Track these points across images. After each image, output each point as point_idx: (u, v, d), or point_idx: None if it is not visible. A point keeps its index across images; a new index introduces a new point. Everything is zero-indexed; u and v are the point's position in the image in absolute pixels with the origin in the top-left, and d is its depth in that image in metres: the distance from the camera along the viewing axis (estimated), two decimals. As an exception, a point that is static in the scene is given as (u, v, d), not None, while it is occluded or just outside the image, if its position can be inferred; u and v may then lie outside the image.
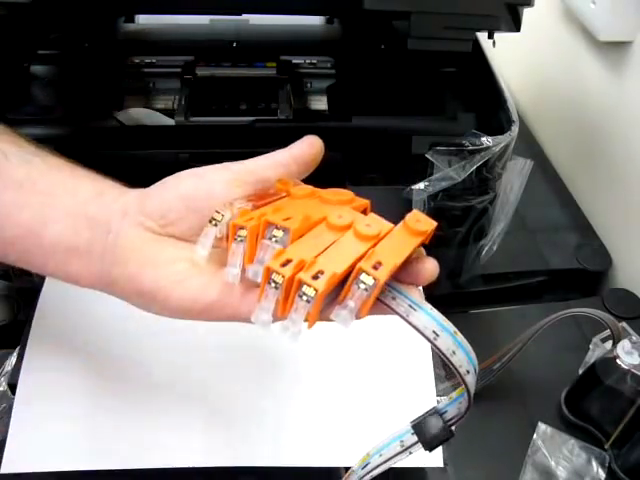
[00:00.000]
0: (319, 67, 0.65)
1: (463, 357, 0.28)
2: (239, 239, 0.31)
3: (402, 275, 0.31)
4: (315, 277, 0.28)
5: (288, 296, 0.28)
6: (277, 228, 0.30)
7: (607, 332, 0.50)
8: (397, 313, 0.29)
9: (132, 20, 0.68)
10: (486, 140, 0.49)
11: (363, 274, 0.28)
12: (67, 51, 0.63)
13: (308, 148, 0.36)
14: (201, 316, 0.33)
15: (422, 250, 0.33)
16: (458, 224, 0.53)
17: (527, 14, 0.50)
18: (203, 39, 0.65)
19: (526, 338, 0.49)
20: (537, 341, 0.49)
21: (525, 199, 0.57)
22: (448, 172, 0.48)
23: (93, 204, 0.35)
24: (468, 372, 0.28)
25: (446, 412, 0.31)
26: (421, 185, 0.49)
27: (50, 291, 0.49)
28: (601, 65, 0.68)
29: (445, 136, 0.50)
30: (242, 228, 0.30)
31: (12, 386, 0.45)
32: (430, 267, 0.32)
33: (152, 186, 0.36)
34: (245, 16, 0.65)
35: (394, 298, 0.29)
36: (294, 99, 0.61)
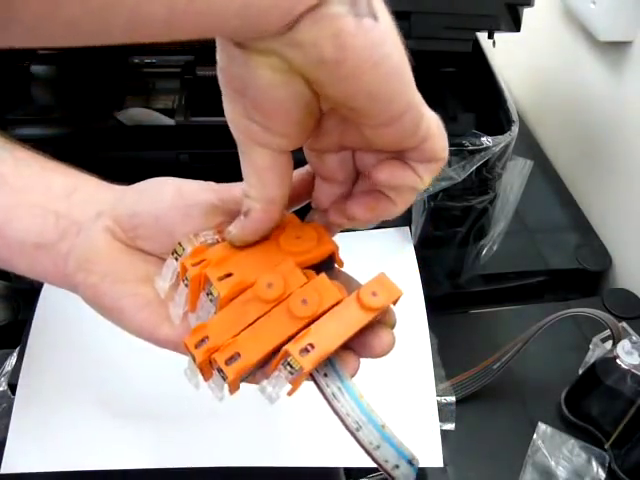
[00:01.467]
0: (319, 67, 0.65)
1: (389, 452, 0.26)
2: (185, 282, 0.29)
3: (354, 344, 0.28)
4: (231, 358, 0.26)
5: (206, 367, 0.28)
6: (213, 287, 0.28)
7: (607, 332, 0.50)
8: (321, 392, 0.27)
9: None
10: (486, 140, 0.49)
11: (290, 357, 0.25)
12: (67, 51, 0.63)
13: (300, 180, 0.33)
14: (155, 343, 0.32)
15: (392, 319, 0.30)
16: (458, 224, 0.53)
17: (527, 14, 0.50)
18: (203, 39, 0.65)
19: (526, 338, 0.49)
20: (537, 341, 0.49)
21: (525, 199, 0.57)
22: (448, 172, 0.48)
23: (64, 201, 0.33)
24: (397, 466, 0.26)
25: None
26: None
27: (50, 291, 0.49)
28: (601, 65, 0.68)
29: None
30: (185, 277, 0.29)
31: (12, 386, 0.45)
32: (386, 341, 0.29)
33: (131, 188, 0.34)
34: (245, 16, 0.65)
35: (326, 375, 0.27)
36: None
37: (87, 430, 0.44)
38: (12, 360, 0.48)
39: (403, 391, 0.47)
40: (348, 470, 0.44)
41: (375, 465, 0.27)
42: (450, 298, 0.58)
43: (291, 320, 0.27)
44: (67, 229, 0.33)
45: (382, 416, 0.26)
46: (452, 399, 0.49)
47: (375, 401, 0.47)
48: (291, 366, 0.26)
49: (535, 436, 0.48)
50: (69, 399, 0.45)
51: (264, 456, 0.44)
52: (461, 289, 0.59)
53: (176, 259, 0.30)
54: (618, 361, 0.46)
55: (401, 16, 0.48)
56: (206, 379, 0.29)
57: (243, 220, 0.29)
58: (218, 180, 0.34)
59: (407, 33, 0.48)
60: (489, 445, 0.49)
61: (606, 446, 0.48)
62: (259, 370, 0.28)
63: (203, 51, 0.62)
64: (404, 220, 0.53)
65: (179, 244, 0.30)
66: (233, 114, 0.27)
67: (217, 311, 0.28)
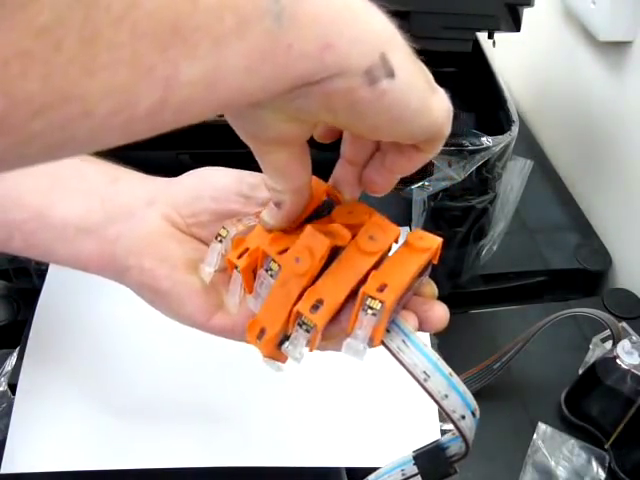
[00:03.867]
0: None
1: (457, 401, 0.26)
2: (218, 239, 0.30)
3: (409, 319, 0.29)
4: (315, 307, 0.26)
5: (276, 354, 0.28)
6: (273, 261, 0.28)
7: (607, 332, 0.50)
8: (387, 347, 0.27)
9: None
10: (486, 140, 0.49)
11: (369, 299, 0.26)
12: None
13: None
14: (209, 331, 0.32)
15: (434, 291, 0.30)
16: (458, 224, 0.53)
17: (527, 14, 0.50)
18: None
19: (526, 338, 0.49)
20: (537, 341, 0.49)
21: (525, 199, 0.57)
22: (448, 172, 0.48)
23: (110, 187, 0.33)
24: (463, 417, 0.26)
25: (449, 448, 0.30)
26: (421, 185, 0.49)
27: (50, 291, 0.49)
28: (601, 65, 0.68)
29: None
30: (236, 267, 0.29)
31: (12, 386, 0.45)
32: (440, 313, 0.29)
33: (188, 174, 0.34)
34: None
35: (388, 330, 0.27)
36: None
37: (87, 430, 0.44)
38: (12, 360, 0.48)
39: (403, 391, 0.47)
40: (349, 470, 0.44)
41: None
42: (450, 298, 0.58)
43: (363, 257, 0.27)
44: (116, 213, 0.32)
45: (448, 366, 0.27)
46: (452, 399, 0.49)
47: (375, 400, 0.47)
48: (371, 307, 0.26)
49: (535, 436, 0.48)
50: (69, 399, 0.45)
51: (265, 456, 0.44)
52: (461, 289, 0.59)
53: (220, 242, 0.30)
54: (618, 361, 0.46)
55: (401, 16, 0.48)
56: (283, 362, 0.29)
57: (276, 211, 0.28)
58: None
59: (407, 33, 0.48)
60: (489, 445, 0.49)
61: (606, 446, 0.48)
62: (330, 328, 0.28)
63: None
64: (404, 220, 0.53)
65: (223, 227, 0.30)
66: (241, 130, 0.26)
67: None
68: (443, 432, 0.46)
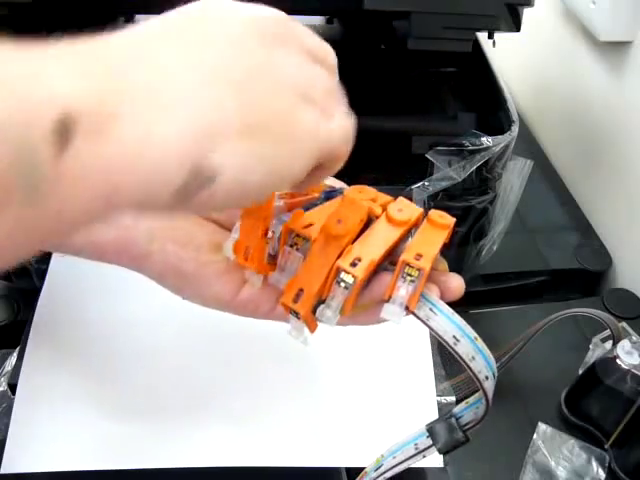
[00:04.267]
0: (319, 67, 0.65)
1: (482, 363, 0.28)
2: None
3: (432, 289, 0.30)
4: (353, 264, 0.28)
5: (311, 319, 0.28)
6: (298, 236, 0.30)
7: (607, 332, 0.50)
8: (417, 316, 0.29)
9: (132, 20, 0.68)
10: (486, 140, 0.49)
11: (407, 266, 0.28)
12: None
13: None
14: (234, 311, 0.33)
15: (446, 266, 0.32)
16: (458, 224, 0.53)
17: (527, 14, 0.50)
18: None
19: (526, 338, 0.49)
20: (537, 341, 0.49)
21: (525, 199, 0.57)
22: (448, 172, 0.48)
23: None
24: (487, 378, 0.28)
25: (462, 417, 0.31)
26: (421, 185, 0.49)
27: (50, 291, 0.49)
28: (601, 65, 0.68)
29: (445, 136, 0.50)
30: (298, 235, 0.30)
31: (12, 386, 0.45)
32: (457, 282, 0.31)
33: None
34: (245, 16, 0.65)
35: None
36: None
37: (87, 430, 0.44)
38: (12, 360, 0.48)
39: (403, 391, 0.47)
40: (349, 470, 0.44)
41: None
42: (450, 298, 0.58)
43: (394, 227, 0.30)
44: None
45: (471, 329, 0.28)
46: (452, 399, 0.49)
47: (375, 400, 0.47)
48: (410, 274, 0.28)
49: (535, 436, 0.48)
50: (69, 399, 0.45)
51: (265, 456, 0.44)
52: (461, 289, 0.59)
53: None
54: (618, 361, 0.46)
55: (401, 16, 0.48)
56: (312, 330, 0.29)
57: None
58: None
59: (407, 33, 0.48)
60: (489, 445, 0.49)
61: (606, 446, 0.48)
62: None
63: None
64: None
65: None
66: None
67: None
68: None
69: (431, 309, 0.28)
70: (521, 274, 0.63)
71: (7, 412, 0.45)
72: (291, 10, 0.62)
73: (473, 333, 0.28)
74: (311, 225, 0.30)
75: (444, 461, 0.45)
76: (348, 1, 0.49)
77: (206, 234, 0.33)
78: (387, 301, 0.28)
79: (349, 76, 0.68)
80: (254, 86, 0.22)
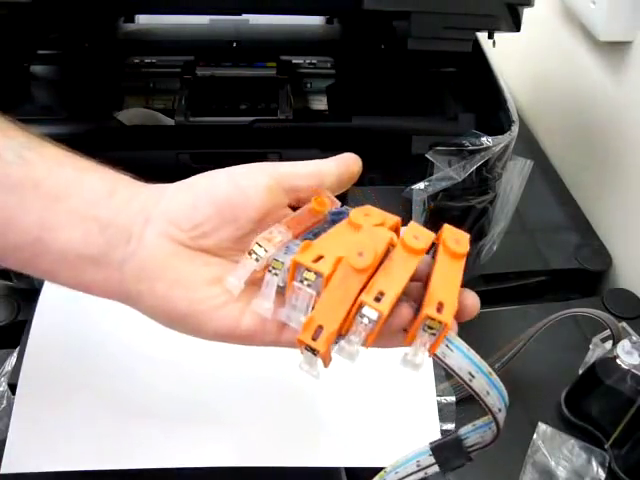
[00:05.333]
0: (319, 67, 0.65)
1: (496, 397, 0.28)
2: (273, 272, 0.29)
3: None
4: (377, 299, 0.27)
5: (327, 355, 0.28)
6: (308, 270, 0.28)
7: (607, 332, 0.50)
8: (432, 354, 0.28)
9: (132, 20, 0.68)
10: (486, 140, 0.49)
11: (429, 319, 0.27)
12: (67, 51, 0.63)
13: (346, 167, 0.34)
14: (239, 342, 0.31)
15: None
16: (458, 224, 0.53)
17: (527, 14, 0.50)
18: (203, 39, 0.65)
19: (526, 338, 0.49)
20: (537, 341, 0.49)
21: (525, 199, 0.57)
22: (448, 172, 0.48)
23: (105, 206, 0.31)
24: (500, 410, 0.29)
25: (467, 438, 0.31)
26: (421, 185, 0.49)
27: (50, 291, 0.49)
28: (601, 65, 0.68)
29: (445, 136, 0.50)
30: (308, 270, 0.28)
31: (12, 386, 0.45)
32: (472, 300, 0.31)
33: (177, 185, 0.32)
34: (245, 16, 0.65)
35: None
36: (294, 99, 0.61)
37: (87, 430, 0.44)
38: (12, 360, 0.48)
39: (403, 391, 0.47)
40: (349, 470, 0.44)
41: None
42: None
43: (411, 254, 0.29)
44: (115, 238, 0.31)
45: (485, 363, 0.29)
46: (452, 399, 0.49)
47: (375, 401, 0.47)
48: (431, 327, 0.27)
49: (535, 436, 0.48)
50: (69, 399, 0.45)
51: (265, 456, 0.44)
52: (461, 289, 0.59)
53: (256, 260, 0.29)
54: (618, 361, 0.46)
55: (401, 16, 0.48)
56: (327, 365, 0.29)
57: None
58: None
59: (407, 33, 0.48)
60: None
61: (606, 446, 0.48)
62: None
63: (203, 51, 0.63)
64: (404, 220, 0.53)
65: (257, 244, 0.29)
66: None
67: (320, 293, 0.28)
68: (443, 432, 0.46)
69: (447, 345, 0.28)
70: (521, 274, 0.63)
71: (7, 412, 0.45)
72: (291, 10, 0.63)
73: (487, 368, 0.28)
74: (321, 258, 0.28)
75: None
76: (348, 1, 0.49)
77: (195, 268, 0.31)
78: (407, 345, 0.28)
79: (349, 76, 0.68)
80: None
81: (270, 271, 0.30)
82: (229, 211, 0.31)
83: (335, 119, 0.57)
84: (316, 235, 0.31)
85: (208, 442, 0.44)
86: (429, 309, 0.27)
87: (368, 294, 0.27)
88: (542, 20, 0.77)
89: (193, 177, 0.32)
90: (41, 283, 0.50)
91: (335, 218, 0.32)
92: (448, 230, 0.31)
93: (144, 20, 0.67)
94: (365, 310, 0.27)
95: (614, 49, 0.64)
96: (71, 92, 0.61)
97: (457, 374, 0.28)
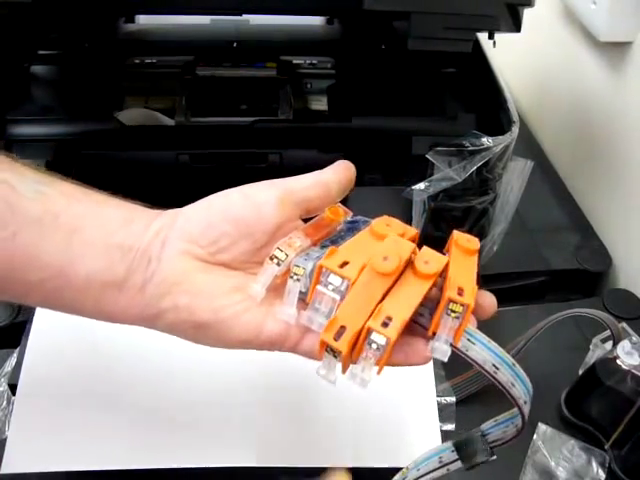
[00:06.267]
0: (319, 67, 0.65)
1: (521, 389, 0.28)
2: (295, 278, 0.30)
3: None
4: (384, 324, 0.27)
5: (348, 358, 0.28)
6: (334, 275, 0.29)
7: (607, 332, 0.50)
8: (456, 348, 0.29)
9: (132, 20, 0.68)
10: (486, 140, 0.49)
11: (452, 303, 0.28)
12: (67, 51, 0.63)
13: (345, 172, 0.35)
14: (261, 348, 0.32)
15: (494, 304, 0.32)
16: (458, 225, 0.53)
17: (527, 14, 0.50)
18: (203, 39, 0.65)
19: (526, 338, 0.49)
20: (537, 341, 0.49)
21: (525, 199, 0.57)
22: (448, 172, 0.48)
23: (124, 233, 0.32)
24: (525, 402, 0.29)
25: (489, 434, 0.32)
26: (421, 185, 0.49)
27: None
28: (601, 66, 0.68)
29: (445, 136, 0.50)
30: (334, 274, 0.29)
31: (12, 386, 0.45)
32: (490, 300, 0.31)
33: (191, 207, 0.33)
34: (245, 16, 0.65)
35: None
36: (294, 99, 0.61)
37: (87, 430, 0.44)
38: (12, 360, 0.48)
39: (403, 391, 0.47)
40: (349, 471, 0.44)
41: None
42: (450, 298, 0.58)
43: (421, 279, 0.29)
44: (136, 262, 0.32)
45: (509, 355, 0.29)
46: (452, 399, 0.49)
47: (375, 401, 0.47)
48: (454, 311, 0.28)
49: (535, 436, 0.48)
50: (69, 399, 0.45)
51: (265, 456, 0.44)
52: (461, 289, 0.59)
53: (278, 264, 0.30)
54: (618, 362, 0.46)
55: (401, 16, 0.48)
56: (344, 371, 0.29)
57: None
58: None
59: (407, 33, 0.48)
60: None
61: (606, 447, 0.48)
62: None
63: (203, 51, 0.63)
64: (405, 220, 0.53)
65: (278, 249, 0.31)
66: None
67: (344, 297, 0.29)
68: (443, 433, 0.46)
69: (469, 339, 0.28)
70: (521, 275, 0.63)
71: (7, 412, 0.45)
72: (292, 10, 0.63)
73: (511, 359, 0.29)
74: (346, 264, 0.29)
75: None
76: (348, 1, 0.49)
77: (214, 279, 0.32)
78: (432, 337, 0.28)
79: (350, 77, 0.68)
80: None
81: (292, 277, 0.30)
82: (244, 226, 0.32)
83: (335, 119, 0.57)
84: (333, 242, 0.32)
85: (209, 442, 0.44)
86: (451, 292, 0.28)
87: (375, 320, 0.28)
88: (542, 21, 0.77)
89: (207, 197, 0.33)
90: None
91: (351, 226, 0.34)
92: (458, 234, 0.32)
93: (144, 20, 0.67)
94: (373, 336, 0.27)
95: (614, 50, 0.64)
96: (71, 92, 0.61)
97: (482, 367, 0.28)
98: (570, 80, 0.75)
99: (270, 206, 0.32)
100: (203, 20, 0.66)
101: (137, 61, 0.64)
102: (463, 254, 0.31)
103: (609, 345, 0.50)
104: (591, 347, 0.52)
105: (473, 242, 0.32)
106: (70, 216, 0.32)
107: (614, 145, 0.67)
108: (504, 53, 0.58)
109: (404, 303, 0.29)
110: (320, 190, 0.34)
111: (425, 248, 0.31)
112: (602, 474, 0.46)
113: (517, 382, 0.28)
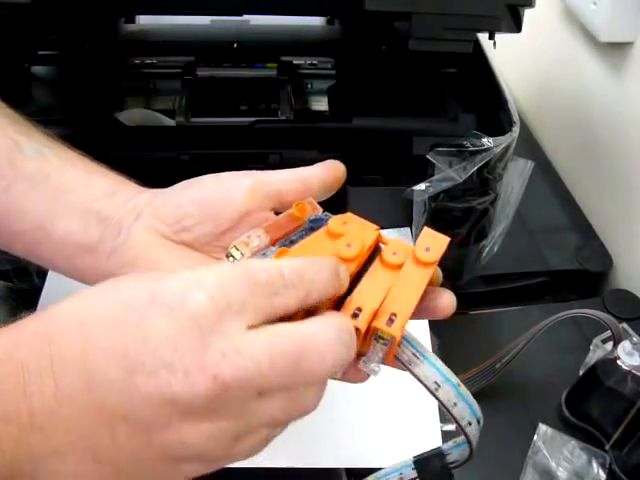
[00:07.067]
0: (320, 68, 0.65)
1: (465, 409, 0.28)
2: None
3: (419, 311, 0.30)
4: (390, 320, 0.28)
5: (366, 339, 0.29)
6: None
7: (608, 333, 0.50)
8: (399, 360, 0.29)
9: (133, 21, 0.68)
10: (487, 141, 0.49)
11: (380, 331, 0.28)
12: (68, 52, 0.63)
13: (330, 171, 0.35)
14: None
15: (439, 276, 0.32)
16: (459, 225, 0.53)
17: (528, 15, 0.50)
18: (204, 40, 0.65)
19: (527, 339, 0.49)
20: (538, 342, 0.49)
21: (526, 200, 0.57)
22: (449, 173, 0.48)
23: (105, 202, 0.34)
24: (470, 424, 0.28)
25: (450, 454, 0.32)
26: (422, 186, 0.49)
27: (50, 291, 0.49)
28: (602, 66, 0.68)
29: (446, 137, 0.50)
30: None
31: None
32: (447, 301, 0.31)
33: (170, 188, 0.35)
34: (246, 17, 0.65)
35: (398, 345, 0.29)
36: (295, 100, 0.61)
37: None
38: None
39: (403, 391, 0.47)
40: (349, 470, 0.44)
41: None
42: (451, 299, 0.58)
43: (422, 267, 0.30)
44: (108, 230, 0.34)
45: (455, 376, 0.29)
46: (452, 400, 0.49)
47: (375, 401, 0.47)
48: (382, 338, 0.28)
49: (535, 437, 0.48)
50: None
51: (264, 457, 0.44)
52: (462, 290, 0.59)
53: (232, 262, 0.31)
54: (619, 362, 0.46)
55: (402, 17, 0.48)
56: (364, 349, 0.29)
57: None
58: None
59: (408, 34, 0.48)
60: (489, 446, 0.49)
61: (607, 447, 0.48)
62: None
63: (204, 52, 0.63)
64: (405, 221, 0.53)
65: (235, 247, 0.31)
66: None
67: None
68: (444, 433, 0.46)
69: (414, 354, 0.28)
70: (522, 275, 0.63)
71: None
72: (292, 11, 0.63)
73: (456, 379, 0.28)
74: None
75: (444, 462, 0.45)
76: (349, 1, 0.49)
77: (171, 258, 0.33)
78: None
79: (350, 77, 0.68)
80: (137, 464, 0.24)
81: (227, 257, 0.31)
82: (210, 208, 0.33)
83: (336, 120, 0.57)
84: (293, 242, 0.32)
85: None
86: (378, 321, 0.28)
87: (380, 319, 0.28)
88: (543, 21, 0.77)
89: (187, 180, 0.35)
90: (41, 284, 0.50)
91: (314, 225, 0.33)
92: (424, 235, 0.31)
93: (145, 21, 0.67)
94: (380, 333, 0.28)
95: (615, 50, 0.64)
96: (72, 93, 0.61)
97: (422, 382, 0.28)
98: (570, 80, 0.75)
99: (239, 193, 0.33)
100: (203, 20, 0.66)
101: (137, 61, 0.64)
102: (416, 265, 0.30)
103: (609, 345, 0.50)
104: (591, 347, 0.52)
105: (434, 251, 0.31)
106: (60, 178, 0.35)
107: (614, 145, 0.67)
108: (504, 53, 0.58)
109: (407, 297, 0.29)
110: (297, 185, 0.34)
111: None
112: (602, 475, 0.46)
113: (460, 402, 0.28)
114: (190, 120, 0.56)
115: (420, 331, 0.48)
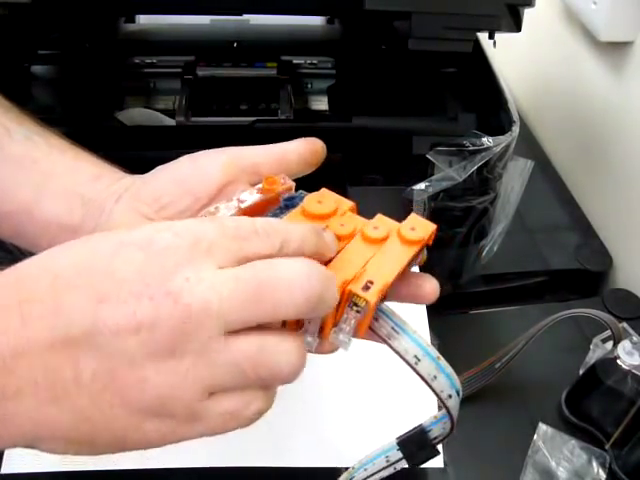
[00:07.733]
0: (320, 67, 0.65)
1: (445, 382, 0.28)
2: None
3: (402, 293, 0.31)
4: (366, 287, 0.28)
5: (339, 307, 0.28)
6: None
7: (608, 332, 0.50)
8: (379, 335, 0.29)
9: (133, 20, 0.68)
10: (487, 140, 0.49)
11: (354, 296, 0.28)
12: (68, 51, 0.63)
13: (308, 145, 0.36)
14: None
15: (424, 255, 0.32)
16: (459, 224, 0.53)
17: (528, 14, 0.50)
18: (204, 39, 0.65)
19: (526, 338, 0.49)
20: (537, 341, 0.49)
21: (526, 199, 0.57)
22: (449, 172, 0.48)
23: (89, 186, 0.35)
24: (450, 396, 0.28)
25: (431, 430, 0.31)
26: (422, 185, 0.49)
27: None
28: (602, 65, 0.68)
29: (446, 136, 0.50)
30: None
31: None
32: (430, 287, 0.31)
33: (150, 172, 0.36)
34: (246, 16, 0.65)
35: (377, 319, 0.29)
36: (295, 99, 0.61)
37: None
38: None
39: (403, 391, 0.47)
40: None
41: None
42: (451, 299, 0.58)
43: (406, 245, 0.30)
44: (91, 212, 0.35)
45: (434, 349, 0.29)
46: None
47: (374, 400, 0.47)
48: (356, 304, 0.27)
49: (535, 436, 0.48)
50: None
51: (264, 456, 0.44)
52: (462, 289, 0.59)
53: None
54: (619, 361, 0.46)
55: (402, 16, 0.48)
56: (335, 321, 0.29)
57: None
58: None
59: (408, 33, 0.48)
60: (489, 445, 0.49)
61: (607, 447, 0.48)
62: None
63: (204, 51, 0.62)
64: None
65: (215, 207, 0.33)
66: None
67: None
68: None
69: (393, 328, 0.28)
70: (521, 274, 0.63)
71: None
72: (292, 10, 0.63)
73: (436, 352, 0.28)
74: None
75: (444, 461, 0.45)
76: (349, 1, 0.49)
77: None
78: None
79: (350, 77, 0.68)
80: (96, 409, 0.24)
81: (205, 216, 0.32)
82: (187, 184, 0.34)
83: (336, 119, 0.57)
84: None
85: (208, 442, 0.44)
86: (355, 285, 0.28)
87: (357, 283, 0.28)
88: (543, 20, 0.77)
89: (166, 163, 0.36)
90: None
91: (288, 203, 0.33)
92: (412, 218, 0.32)
93: (145, 20, 0.67)
94: (354, 299, 0.27)
95: (615, 49, 0.64)
96: (71, 92, 0.61)
97: (402, 357, 0.28)
98: (570, 80, 0.75)
99: (213, 168, 0.34)
100: (203, 20, 0.66)
101: (137, 61, 0.64)
102: (400, 243, 0.30)
103: (609, 345, 0.50)
104: (591, 347, 0.52)
105: (419, 231, 0.31)
106: (47, 163, 0.36)
107: (614, 145, 0.67)
108: (504, 53, 0.58)
109: (386, 268, 0.29)
110: (273, 158, 0.35)
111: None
112: (603, 474, 0.46)
113: (440, 375, 0.28)
114: (190, 120, 0.56)
115: (420, 331, 0.48)
